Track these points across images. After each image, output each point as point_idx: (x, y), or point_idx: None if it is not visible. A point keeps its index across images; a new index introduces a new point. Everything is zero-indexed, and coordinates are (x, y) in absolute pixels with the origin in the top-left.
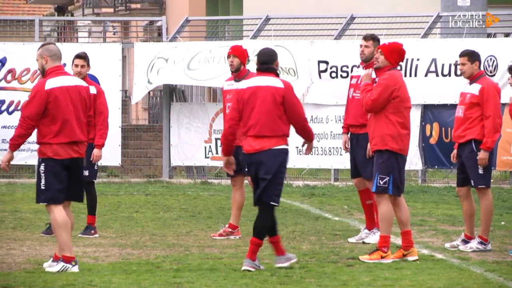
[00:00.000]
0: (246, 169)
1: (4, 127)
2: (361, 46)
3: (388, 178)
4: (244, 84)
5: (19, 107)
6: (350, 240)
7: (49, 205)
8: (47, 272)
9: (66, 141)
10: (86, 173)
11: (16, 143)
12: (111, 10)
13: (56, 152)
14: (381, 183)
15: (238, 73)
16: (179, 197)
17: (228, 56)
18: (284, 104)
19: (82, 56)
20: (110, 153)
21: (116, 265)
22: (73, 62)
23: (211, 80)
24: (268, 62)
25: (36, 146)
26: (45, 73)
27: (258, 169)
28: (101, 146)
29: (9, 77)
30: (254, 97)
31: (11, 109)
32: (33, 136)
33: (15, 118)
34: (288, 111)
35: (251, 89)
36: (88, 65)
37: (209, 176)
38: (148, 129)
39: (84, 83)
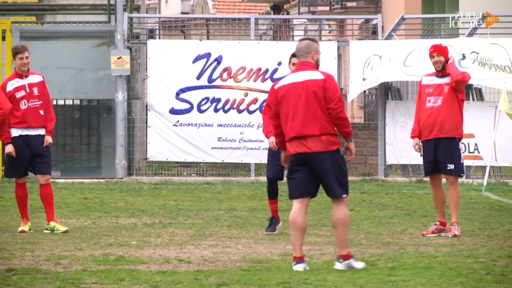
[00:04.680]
0: None
1: (220, 125)
2: None
3: None
4: None
5: (234, 106)
6: None
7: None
8: (262, 270)
9: (289, 138)
10: None
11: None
12: (327, 8)
13: (288, 149)
14: None
15: (443, 70)
16: (394, 196)
17: (432, 56)
18: None
19: None
20: None
21: (331, 263)
22: (290, 61)
23: None
24: None
25: (252, 144)
26: None
27: None
28: None
29: (224, 76)
30: None
31: (227, 107)
32: (248, 134)
33: (231, 117)
34: None
35: None
36: None
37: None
38: (363, 127)
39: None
